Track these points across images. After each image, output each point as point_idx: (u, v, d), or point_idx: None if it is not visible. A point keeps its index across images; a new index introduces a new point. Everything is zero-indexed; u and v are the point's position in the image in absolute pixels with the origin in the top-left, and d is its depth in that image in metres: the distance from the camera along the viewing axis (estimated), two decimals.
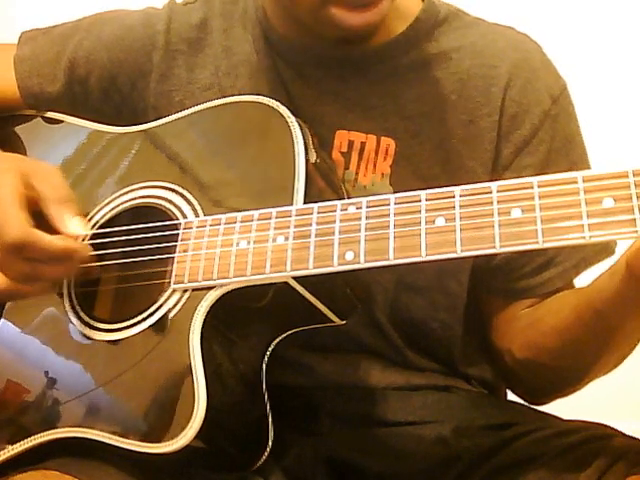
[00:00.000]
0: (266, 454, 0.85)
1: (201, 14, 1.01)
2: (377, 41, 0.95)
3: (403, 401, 0.96)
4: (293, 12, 0.91)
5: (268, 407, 0.85)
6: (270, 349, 0.86)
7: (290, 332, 0.86)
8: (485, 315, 1.00)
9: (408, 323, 0.97)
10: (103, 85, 1.02)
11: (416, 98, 0.94)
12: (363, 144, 0.94)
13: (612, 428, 0.87)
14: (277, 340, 0.86)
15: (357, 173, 0.94)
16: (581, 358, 0.89)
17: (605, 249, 0.94)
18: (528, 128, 0.93)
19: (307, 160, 0.80)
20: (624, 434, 0.86)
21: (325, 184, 0.84)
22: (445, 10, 0.98)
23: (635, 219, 0.62)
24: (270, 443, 0.85)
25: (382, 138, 0.94)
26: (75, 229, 0.83)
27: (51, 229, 0.82)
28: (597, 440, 0.84)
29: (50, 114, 1.04)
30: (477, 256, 0.70)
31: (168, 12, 1.02)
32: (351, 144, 0.95)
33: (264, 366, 0.86)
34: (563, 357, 0.90)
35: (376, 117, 0.95)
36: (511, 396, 1.04)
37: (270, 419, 0.85)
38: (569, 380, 0.94)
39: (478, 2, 1.08)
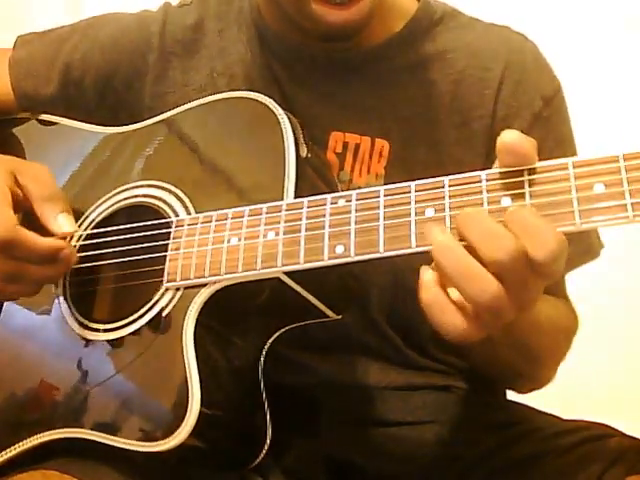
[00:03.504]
0: (264, 451, 0.84)
1: (196, 15, 1.02)
2: (373, 41, 0.95)
3: (402, 401, 0.95)
4: (282, 7, 0.91)
5: (266, 404, 0.84)
6: (267, 346, 0.85)
7: (286, 328, 0.85)
8: None
9: (406, 323, 0.96)
10: (98, 86, 1.03)
11: (410, 99, 0.94)
12: (358, 145, 0.94)
13: (612, 428, 0.87)
14: (274, 336, 0.85)
15: (352, 174, 0.94)
16: (500, 368, 0.91)
17: (589, 251, 0.94)
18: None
19: (297, 154, 0.80)
20: (624, 434, 0.85)
21: (317, 178, 0.83)
22: (441, 10, 0.98)
23: (626, 204, 0.61)
24: (268, 440, 0.84)
25: (376, 139, 0.94)
26: (62, 226, 0.83)
27: (40, 227, 0.83)
28: (597, 440, 0.83)
29: (44, 116, 1.04)
30: None
31: (163, 14, 1.03)
32: (346, 145, 0.94)
33: (261, 363, 0.85)
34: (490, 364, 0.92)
35: (371, 118, 0.94)
36: (511, 396, 1.03)
37: (268, 416, 0.84)
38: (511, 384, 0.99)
39: (476, 2, 1.08)
